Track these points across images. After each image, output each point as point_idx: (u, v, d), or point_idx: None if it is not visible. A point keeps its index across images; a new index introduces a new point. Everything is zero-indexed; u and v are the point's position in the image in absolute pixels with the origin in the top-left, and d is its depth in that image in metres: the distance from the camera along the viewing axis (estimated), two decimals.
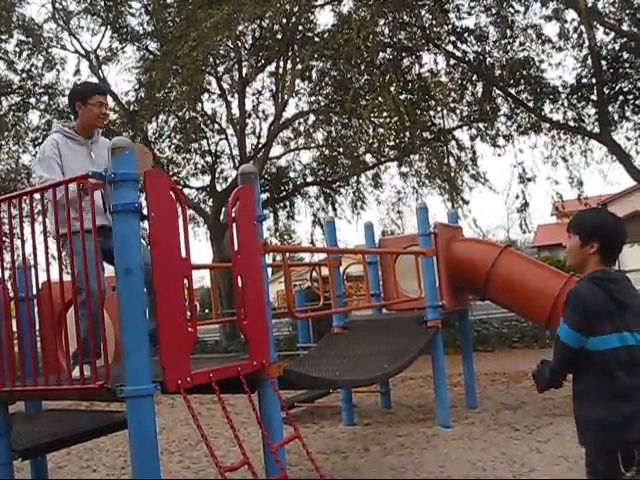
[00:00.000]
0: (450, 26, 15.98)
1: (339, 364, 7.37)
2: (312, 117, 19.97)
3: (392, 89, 14.94)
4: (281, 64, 18.63)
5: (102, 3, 18.91)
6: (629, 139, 17.18)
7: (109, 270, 4.48)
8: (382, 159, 20.13)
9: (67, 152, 4.72)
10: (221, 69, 19.43)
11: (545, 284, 8.25)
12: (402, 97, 15.67)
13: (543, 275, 8.54)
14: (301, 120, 20.42)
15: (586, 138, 17.59)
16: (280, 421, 4.60)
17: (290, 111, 20.32)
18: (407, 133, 16.57)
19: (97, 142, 4.93)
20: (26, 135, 20.03)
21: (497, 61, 16.65)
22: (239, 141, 19.93)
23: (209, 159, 21.31)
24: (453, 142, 18.90)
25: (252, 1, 13.74)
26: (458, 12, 16.18)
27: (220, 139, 21.21)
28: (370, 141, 18.68)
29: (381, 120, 17.81)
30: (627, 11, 15.01)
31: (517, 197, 18.60)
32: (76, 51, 20.09)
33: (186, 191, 20.77)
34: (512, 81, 16.67)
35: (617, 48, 16.21)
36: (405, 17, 15.08)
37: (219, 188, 21.28)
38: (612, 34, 15.91)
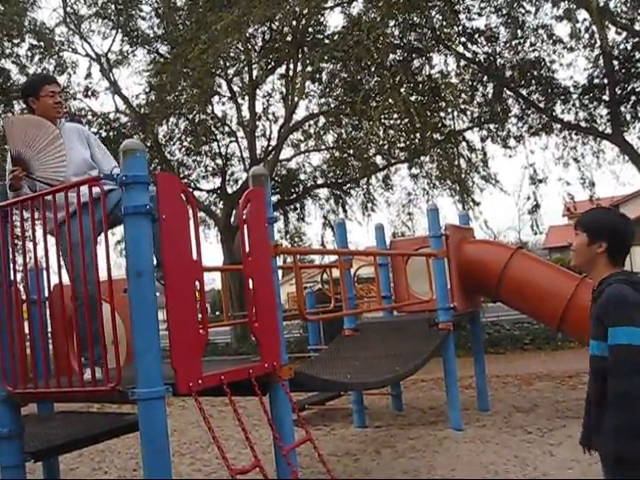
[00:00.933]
0: (460, 27, 15.99)
1: (350, 366, 7.35)
2: (322, 119, 19.99)
3: (402, 90, 14.96)
4: (291, 66, 18.64)
5: (113, 7, 18.99)
6: None
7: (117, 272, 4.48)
8: (392, 161, 20.11)
9: None
10: (231, 71, 19.48)
11: (557, 286, 8.21)
12: (412, 98, 15.68)
13: (555, 277, 8.50)
14: (311, 122, 20.44)
15: (598, 139, 17.54)
16: (291, 423, 4.59)
17: (300, 113, 20.35)
18: (417, 134, 16.56)
19: (61, 132, 4.67)
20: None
21: (508, 62, 16.62)
22: (249, 143, 19.96)
23: (219, 161, 21.36)
24: (464, 143, 18.89)
25: (262, 3, 13.76)
26: (468, 13, 16.18)
27: (230, 141, 21.26)
28: (380, 143, 18.67)
29: (391, 122, 17.79)
30: (639, 10, 14.93)
31: (528, 198, 18.60)
32: (87, 55, 20.18)
33: (196, 194, 20.81)
34: (523, 82, 16.65)
35: (629, 48, 16.15)
36: (415, 18, 15.07)
37: (229, 190, 21.31)
38: (624, 34, 15.86)
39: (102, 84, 20.28)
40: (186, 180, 19.90)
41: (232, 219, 20.26)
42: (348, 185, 21.81)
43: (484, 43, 16.57)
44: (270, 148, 20.48)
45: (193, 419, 9.87)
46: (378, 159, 20.24)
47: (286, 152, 21.69)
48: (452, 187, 19.10)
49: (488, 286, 8.76)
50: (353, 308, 8.87)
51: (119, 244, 18.22)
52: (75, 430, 5.49)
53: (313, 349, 10.60)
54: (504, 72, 16.66)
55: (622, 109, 16.74)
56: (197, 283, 3.90)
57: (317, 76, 17.76)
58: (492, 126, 18.18)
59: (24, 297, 4.85)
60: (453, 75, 16.75)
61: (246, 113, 20.05)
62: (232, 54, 18.01)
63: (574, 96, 16.98)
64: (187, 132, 20.01)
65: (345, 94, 17.40)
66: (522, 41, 16.19)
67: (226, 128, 20.94)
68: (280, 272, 7.06)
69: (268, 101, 20.64)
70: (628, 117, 16.95)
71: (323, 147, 21.27)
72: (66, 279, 4.23)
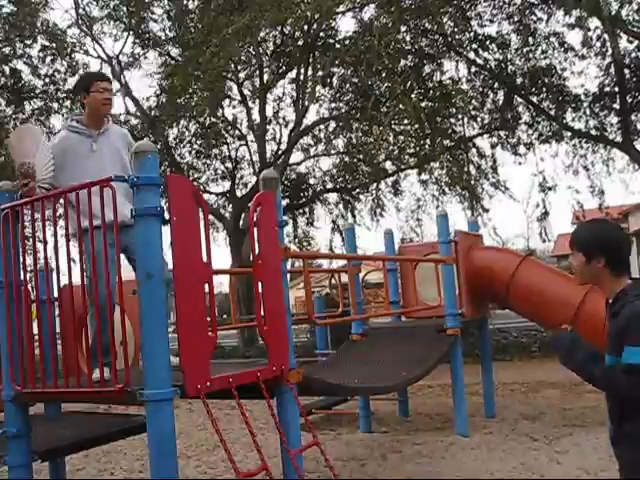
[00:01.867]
0: (472, 33, 15.97)
1: (358, 371, 7.35)
2: (332, 124, 20.00)
3: (413, 96, 14.95)
4: (302, 70, 18.67)
5: (125, 9, 19.06)
6: None
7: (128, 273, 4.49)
8: (402, 166, 20.10)
9: (68, 148, 4.75)
10: (242, 75, 19.53)
11: (566, 293, 8.19)
12: (423, 104, 15.66)
13: (564, 284, 8.48)
14: (321, 127, 20.45)
15: (608, 147, 17.48)
16: (298, 427, 4.59)
17: (310, 118, 20.37)
18: (428, 140, 16.56)
19: (107, 131, 4.92)
20: (48, 139, 20.11)
21: (519, 69, 16.60)
22: (259, 147, 19.99)
23: (229, 165, 21.40)
24: (474, 150, 18.86)
25: (274, 8, 13.79)
26: (480, 19, 16.16)
27: (240, 145, 21.30)
28: (390, 148, 18.66)
29: (402, 127, 17.79)
30: None
31: (537, 206, 18.54)
32: (99, 56, 20.30)
33: (206, 196, 20.82)
34: (534, 89, 16.62)
35: None
36: (427, 24, 15.08)
37: (239, 194, 21.35)
38: (636, 42, 15.81)
39: (113, 86, 20.30)
40: (196, 183, 19.92)
41: (241, 222, 20.29)
42: (357, 190, 21.79)
43: (495, 50, 16.54)
44: (280, 152, 20.50)
45: (199, 422, 9.88)
46: (388, 164, 20.24)
47: (296, 156, 21.77)
48: (461, 193, 19.06)
49: (497, 293, 8.76)
50: (361, 313, 8.87)
51: None
52: (82, 431, 5.50)
53: (321, 354, 10.61)
54: (515, 79, 16.64)
55: (633, 117, 16.69)
56: (207, 285, 3.91)
57: (328, 81, 17.77)
58: (502, 133, 18.16)
59: (33, 297, 4.87)
60: (464, 81, 16.80)
61: (256, 117, 20.09)
62: (243, 58, 18.05)
63: (585, 104, 16.94)
64: (197, 135, 20.07)
65: (356, 99, 17.42)
66: (533, 48, 16.16)
67: (236, 131, 20.98)
68: (288, 276, 7.07)
69: (279, 105, 20.71)
70: (639, 126, 16.89)
71: (333, 152, 21.29)
72: (76, 280, 4.25)
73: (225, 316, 23.19)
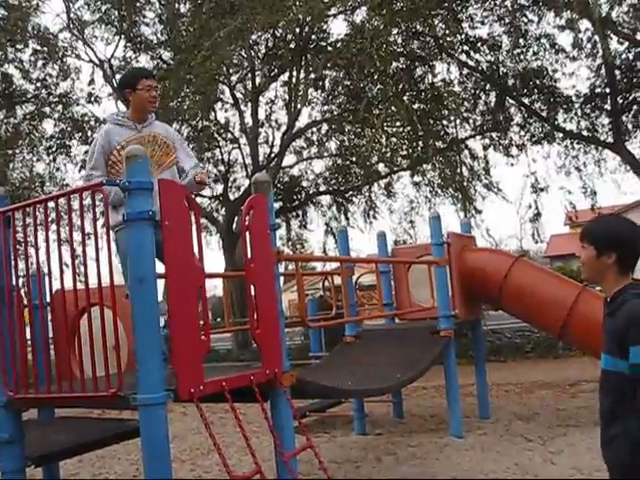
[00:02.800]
0: (463, 35, 16.01)
1: (351, 373, 7.35)
2: (325, 126, 20.02)
3: (405, 98, 14.99)
4: (294, 73, 18.66)
5: (116, 13, 19.02)
6: None
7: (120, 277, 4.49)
8: (395, 168, 20.13)
9: (119, 138, 4.79)
10: (234, 78, 19.52)
11: (559, 294, 8.23)
12: (415, 106, 15.70)
13: (557, 285, 8.51)
14: (314, 129, 20.47)
15: (600, 148, 17.55)
16: (292, 430, 4.59)
17: (303, 120, 20.37)
18: (420, 142, 16.59)
19: (150, 125, 4.99)
20: (40, 144, 20.13)
21: (510, 70, 16.65)
22: (252, 150, 19.98)
23: (222, 168, 21.39)
24: (466, 151, 18.92)
25: (265, 11, 13.80)
26: (471, 22, 16.22)
27: (233, 148, 21.29)
28: (383, 150, 18.68)
29: (394, 129, 17.82)
30: None
31: (530, 207, 18.63)
32: (90, 60, 20.23)
33: (198, 200, 20.80)
34: (525, 91, 16.68)
35: (631, 58, 16.18)
36: (418, 27, 15.11)
37: (232, 197, 21.34)
38: (626, 43, 15.88)
39: (105, 90, 20.29)
40: None
41: (234, 226, 20.27)
42: (350, 192, 21.82)
43: (487, 52, 16.60)
44: (273, 155, 20.51)
45: (193, 425, 9.86)
46: (380, 167, 20.27)
47: (288, 159, 21.76)
48: (454, 195, 19.10)
49: (490, 294, 8.77)
50: (354, 315, 8.87)
51: None
52: (76, 436, 5.49)
53: (314, 356, 10.60)
54: (506, 81, 16.69)
55: (624, 118, 16.77)
56: (200, 289, 3.91)
57: (320, 83, 17.80)
58: (494, 134, 18.21)
59: (26, 302, 4.86)
60: (456, 83, 16.84)
61: (249, 120, 20.09)
62: (235, 61, 18.05)
63: (576, 105, 17.01)
64: (190, 138, 20.04)
65: (348, 101, 17.45)
66: (524, 50, 16.22)
67: (229, 135, 20.98)
68: (282, 279, 7.07)
69: (271, 108, 20.73)
70: (630, 126, 16.97)
71: (325, 154, 21.30)
72: (68, 284, 4.24)
73: (219, 319, 23.15)
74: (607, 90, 16.45)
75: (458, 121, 17.18)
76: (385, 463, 7.07)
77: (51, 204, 4.36)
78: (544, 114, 17.00)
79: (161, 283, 3.91)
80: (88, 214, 5.09)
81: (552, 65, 16.51)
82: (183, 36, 17.43)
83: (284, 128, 20.11)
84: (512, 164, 18.60)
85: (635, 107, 16.68)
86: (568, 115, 17.17)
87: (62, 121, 19.85)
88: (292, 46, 17.10)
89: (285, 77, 19.39)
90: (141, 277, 3.58)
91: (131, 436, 5.39)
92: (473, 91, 17.29)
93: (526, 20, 15.71)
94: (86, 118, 19.95)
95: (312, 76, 17.20)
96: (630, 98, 16.63)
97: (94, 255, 3.88)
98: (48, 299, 4.94)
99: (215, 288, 33.57)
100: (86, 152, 19.56)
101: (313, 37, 17.15)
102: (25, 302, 5.28)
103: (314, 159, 21.91)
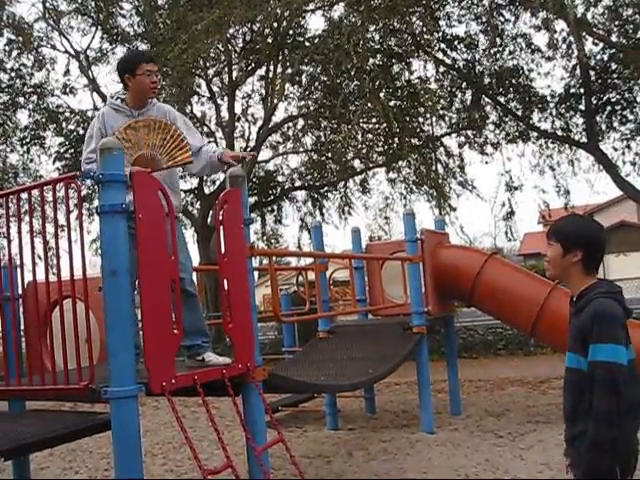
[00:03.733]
0: (440, 33, 16.04)
1: (324, 369, 7.38)
2: (301, 121, 19.99)
3: (382, 95, 15.00)
4: (271, 68, 18.62)
5: (93, 4, 18.85)
6: (616, 149, 17.30)
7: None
8: (370, 165, 20.14)
9: (114, 124, 4.65)
10: (211, 72, 19.43)
11: (531, 292, 8.30)
12: (391, 103, 15.71)
13: (528, 283, 8.59)
14: (290, 124, 20.44)
15: (573, 147, 17.68)
16: (264, 425, 4.61)
17: (279, 115, 20.35)
18: (396, 139, 16.59)
19: (148, 111, 4.79)
20: (14, 135, 19.90)
21: (486, 69, 16.69)
22: (228, 144, 19.89)
23: None
24: (441, 149, 18.96)
25: (243, 4, 13.74)
26: (449, 20, 16.24)
27: (209, 142, 21.08)
28: (359, 146, 18.69)
29: (370, 126, 17.84)
30: (616, 22, 15.10)
31: (504, 205, 18.68)
32: (66, 51, 20.02)
33: None
34: (501, 89, 16.75)
35: (605, 59, 16.31)
36: (396, 24, 15.10)
37: (207, 191, 21.25)
38: (601, 45, 16.01)
39: (81, 81, 20.10)
40: None
41: (209, 219, 20.21)
42: (326, 188, 21.82)
43: (463, 50, 16.65)
44: (249, 149, 20.44)
45: (166, 419, 9.84)
46: (356, 163, 20.26)
47: (264, 154, 21.69)
48: (429, 192, 19.16)
49: (462, 291, 8.83)
50: (328, 311, 8.89)
51: (94, 242, 18.08)
52: (46, 429, 5.43)
53: (288, 351, 10.61)
54: (483, 79, 16.75)
55: (597, 119, 16.90)
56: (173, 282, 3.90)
57: (297, 79, 17.77)
58: (470, 132, 18.27)
59: None
60: (432, 81, 16.85)
61: (225, 114, 20.01)
62: (212, 54, 17.94)
63: (551, 105, 17.11)
64: None
65: (324, 97, 17.42)
66: (501, 49, 16.28)
67: (205, 128, 20.88)
68: (256, 274, 7.07)
69: (247, 102, 20.63)
70: (603, 127, 17.10)
71: (301, 149, 21.27)
72: (40, 276, 4.22)
73: None
74: (581, 90, 16.57)
75: (434, 119, 17.20)
76: (356, 458, 7.11)
77: (24, 195, 4.33)
78: (519, 113, 17.09)
79: None
80: (62, 206, 5.07)
81: (528, 65, 16.59)
82: (160, 29, 17.33)
83: (260, 123, 20.07)
84: (487, 162, 18.69)
85: (609, 108, 16.81)
86: (543, 115, 17.28)
87: (37, 112, 19.62)
88: (269, 41, 17.04)
89: (262, 71, 19.35)
90: (114, 270, 3.57)
91: (102, 429, 5.34)
92: (449, 89, 17.33)
93: (503, 19, 15.76)
94: (61, 109, 19.75)
95: (289, 71, 17.17)
96: (604, 99, 16.76)
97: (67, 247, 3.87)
98: (20, 291, 4.91)
99: None
100: (60, 144, 19.49)
101: (291, 32, 17.10)
102: None
103: (290, 154, 21.90)
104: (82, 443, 7.91)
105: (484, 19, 15.67)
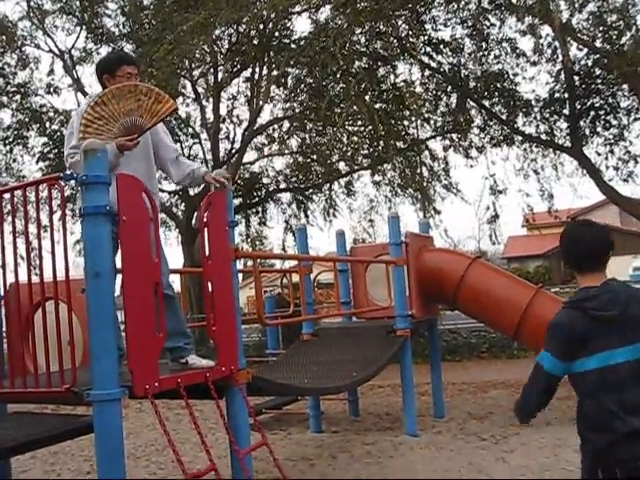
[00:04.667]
0: (426, 37, 16.08)
1: (308, 371, 7.37)
2: (287, 124, 19.97)
3: (367, 98, 15.01)
4: (257, 70, 18.60)
5: (78, 3, 18.75)
6: (599, 154, 17.38)
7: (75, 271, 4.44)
8: (355, 167, 20.17)
9: None
10: (196, 73, 19.37)
11: (514, 295, 8.34)
12: (377, 106, 15.74)
13: (512, 286, 8.63)
14: (275, 126, 20.39)
15: (557, 152, 17.77)
16: (248, 427, 4.59)
17: (265, 117, 20.34)
18: (381, 142, 16.63)
19: None
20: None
21: (472, 73, 16.76)
22: (212, 146, 19.87)
23: None
24: (426, 152, 19.02)
25: (229, 6, 13.72)
26: (434, 24, 16.27)
27: (194, 143, 21.12)
28: (344, 149, 18.72)
29: (355, 128, 17.86)
30: (600, 28, 15.18)
31: (488, 208, 18.77)
32: (50, 50, 19.88)
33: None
34: (486, 93, 16.80)
35: (590, 64, 16.40)
36: (382, 27, 15.13)
37: (191, 192, 21.17)
38: (585, 50, 16.11)
39: (65, 81, 19.98)
40: None
41: (193, 221, 20.15)
42: (311, 190, 21.83)
43: (449, 54, 16.70)
44: (233, 151, 20.41)
45: (149, 422, 9.80)
46: (341, 165, 20.30)
47: (249, 155, 21.65)
48: (414, 195, 19.23)
49: (446, 294, 8.86)
50: (312, 313, 8.89)
51: (78, 244, 17.99)
52: (28, 431, 5.39)
53: (271, 353, 10.61)
54: (468, 83, 16.80)
55: (581, 124, 16.99)
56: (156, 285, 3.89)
57: (282, 81, 17.74)
58: (455, 136, 18.33)
59: None
60: (418, 84, 16.90)
61: (210, 115, 19.96)
62: (198, 55, 17.88)
63: (535, 109, 17.18)
64: None
65: (310, 99, 17.41)
66: (486, 53, 16.34)
67: (189, 130, 20.84)
68: (240, 276, 7.06)
69: (233, 104, 20.58)
70: (587, 132, 17.19)
71: (287, 152, 21.26)
72: (22, 277, 4.18)
73: None
74: (566, 95, 16.65)
75: (419, 122, 17.27)
76: (340, 461, 7.11)
77: (7, 196, 4.29)
78: (504, 117, 17.17)
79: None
80: (45, 206, 5.04)
81: (513, 69, 16.66)
82: (145, 29, 17.26)
83: (245, 124, 20.03)
84: (472, 166, 18.76)
85: (592, 113, 16.91)
86: (527, 119, 17.35)
87: (20, 111, 19.48)
88: (255, 42, 17.02)
89: (248, 73, 19.30)
90: (97, 272, 3.55)
91: (85, 432, 5.31)
92: (435, 92, 17.38)
93: (488, 24, 15.82)
94: (45, 109, 19.62)
95: (275, 73, 17.14)
96: (588, 104, 16.86)
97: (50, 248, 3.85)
98: (2, 293, 4.87)
99: (173, 284, 33.35)
100: (44, 144, 19.37)
101: (277, 34, 17.10)
102: None
103: (275, 156, 21.87)
104: (64, 446, 7.86)
105: (470, 23, 15.73)
